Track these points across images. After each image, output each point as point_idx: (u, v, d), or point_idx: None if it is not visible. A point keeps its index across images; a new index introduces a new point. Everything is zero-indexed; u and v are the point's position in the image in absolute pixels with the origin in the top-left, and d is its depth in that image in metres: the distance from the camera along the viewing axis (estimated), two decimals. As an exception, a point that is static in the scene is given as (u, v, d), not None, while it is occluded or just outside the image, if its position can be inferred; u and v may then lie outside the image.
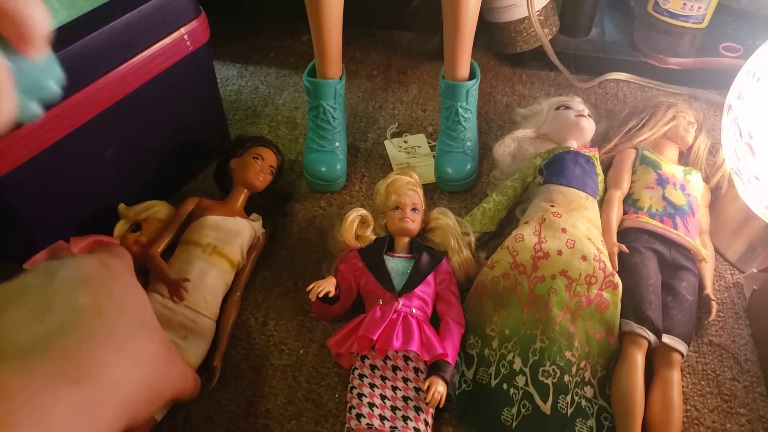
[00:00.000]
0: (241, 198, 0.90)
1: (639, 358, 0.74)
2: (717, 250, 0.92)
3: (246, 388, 0.77)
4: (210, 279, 0.79)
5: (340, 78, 0.99)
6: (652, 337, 0.75)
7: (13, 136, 0.71)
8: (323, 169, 0.98)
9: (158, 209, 0.88)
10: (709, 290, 0.84)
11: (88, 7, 0.78)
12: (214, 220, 0.84)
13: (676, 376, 0.74)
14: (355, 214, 0.85)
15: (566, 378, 0.72)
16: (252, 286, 0.88)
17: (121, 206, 0.88)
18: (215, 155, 0.98)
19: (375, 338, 0.71)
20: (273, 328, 0.83)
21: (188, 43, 0.88)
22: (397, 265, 0.80)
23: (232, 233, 0.84)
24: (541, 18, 1.19)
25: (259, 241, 0.88)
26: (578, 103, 1.01)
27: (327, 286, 0.76)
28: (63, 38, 0.74)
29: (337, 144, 1.00)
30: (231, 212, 0.88)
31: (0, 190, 0.74)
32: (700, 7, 1.21)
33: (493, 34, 1.25)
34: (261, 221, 0.90)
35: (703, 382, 0.78)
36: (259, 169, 0.90)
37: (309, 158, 0.99)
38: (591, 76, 1.23)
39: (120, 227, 0.87)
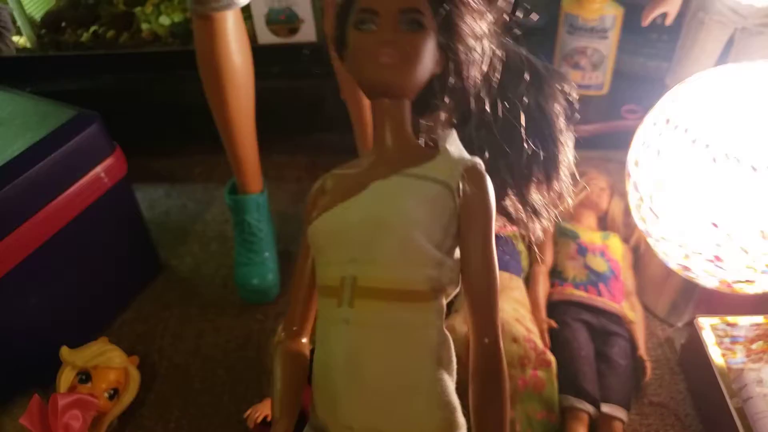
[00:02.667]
0: (372, 128, 0.48)
1: (581, 433, 0.75)
2: (646, 308, 0.95)
3: None
4: (369, 365, 0.43)
5: (262, 191, 1.01)
6: (591, 408, 0.76)
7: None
8: (255, 282, 0.98)
9: (111, 356, 0.80)
10: (642, 351, 0.86)
11: None
12: (331, 217, 0.45)
13: (620, 444, 0.75)
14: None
15: (512, 466, 0.72)
16: (192, 413, 0.85)
17: (64, 350, 0.79)
18: (146, 283, 0.97)
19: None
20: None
21: (105, 179, 0.89)
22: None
23: (388, 228, 0.44)
24: (452, 104, 1.25)
25: (466, 193, 0.46)
26: (494, 183, 1.05)
27: (264, 410, 0.75)
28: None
29: (267, 254, 1.01)
30: (371, 168, 0.47)
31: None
32: (597, 76, 1.29)
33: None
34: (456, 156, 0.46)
35: (649, 445, 0.79)
36: (375, 44, 0.45)
37: (240, 272, 1.00)
38: (508, 151, 1.29)
39: (66, 376, 0.78)
